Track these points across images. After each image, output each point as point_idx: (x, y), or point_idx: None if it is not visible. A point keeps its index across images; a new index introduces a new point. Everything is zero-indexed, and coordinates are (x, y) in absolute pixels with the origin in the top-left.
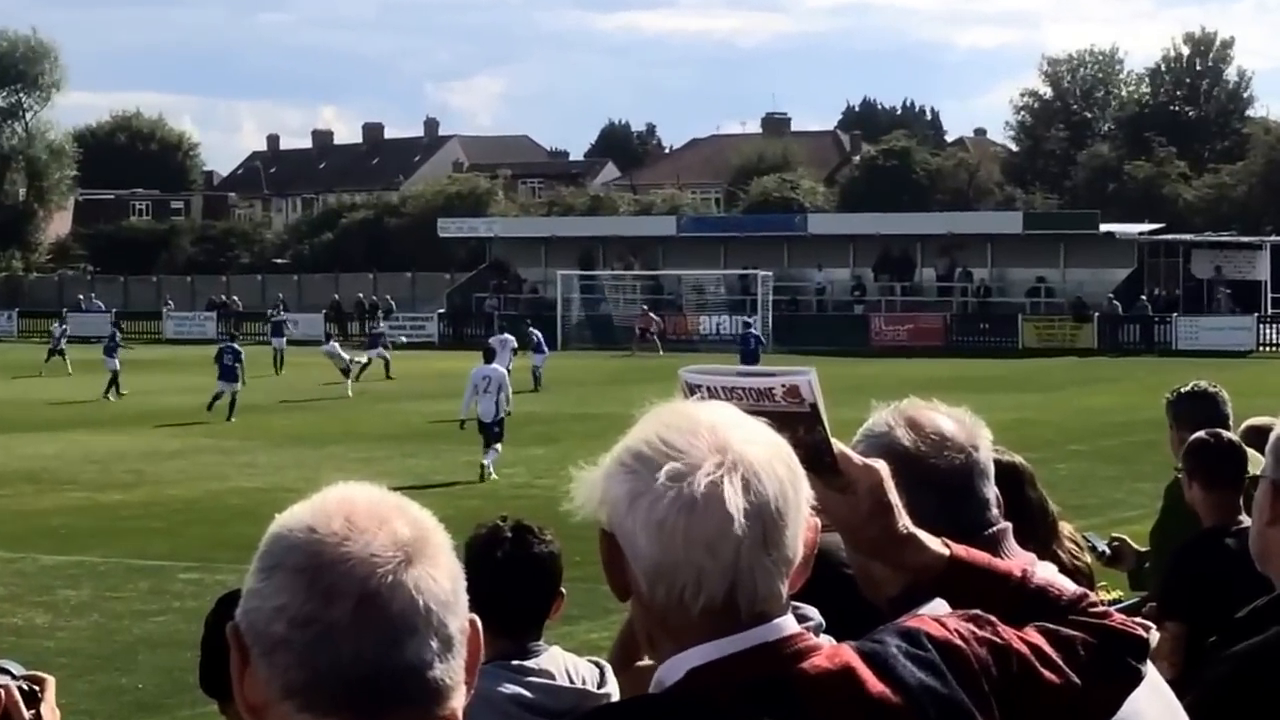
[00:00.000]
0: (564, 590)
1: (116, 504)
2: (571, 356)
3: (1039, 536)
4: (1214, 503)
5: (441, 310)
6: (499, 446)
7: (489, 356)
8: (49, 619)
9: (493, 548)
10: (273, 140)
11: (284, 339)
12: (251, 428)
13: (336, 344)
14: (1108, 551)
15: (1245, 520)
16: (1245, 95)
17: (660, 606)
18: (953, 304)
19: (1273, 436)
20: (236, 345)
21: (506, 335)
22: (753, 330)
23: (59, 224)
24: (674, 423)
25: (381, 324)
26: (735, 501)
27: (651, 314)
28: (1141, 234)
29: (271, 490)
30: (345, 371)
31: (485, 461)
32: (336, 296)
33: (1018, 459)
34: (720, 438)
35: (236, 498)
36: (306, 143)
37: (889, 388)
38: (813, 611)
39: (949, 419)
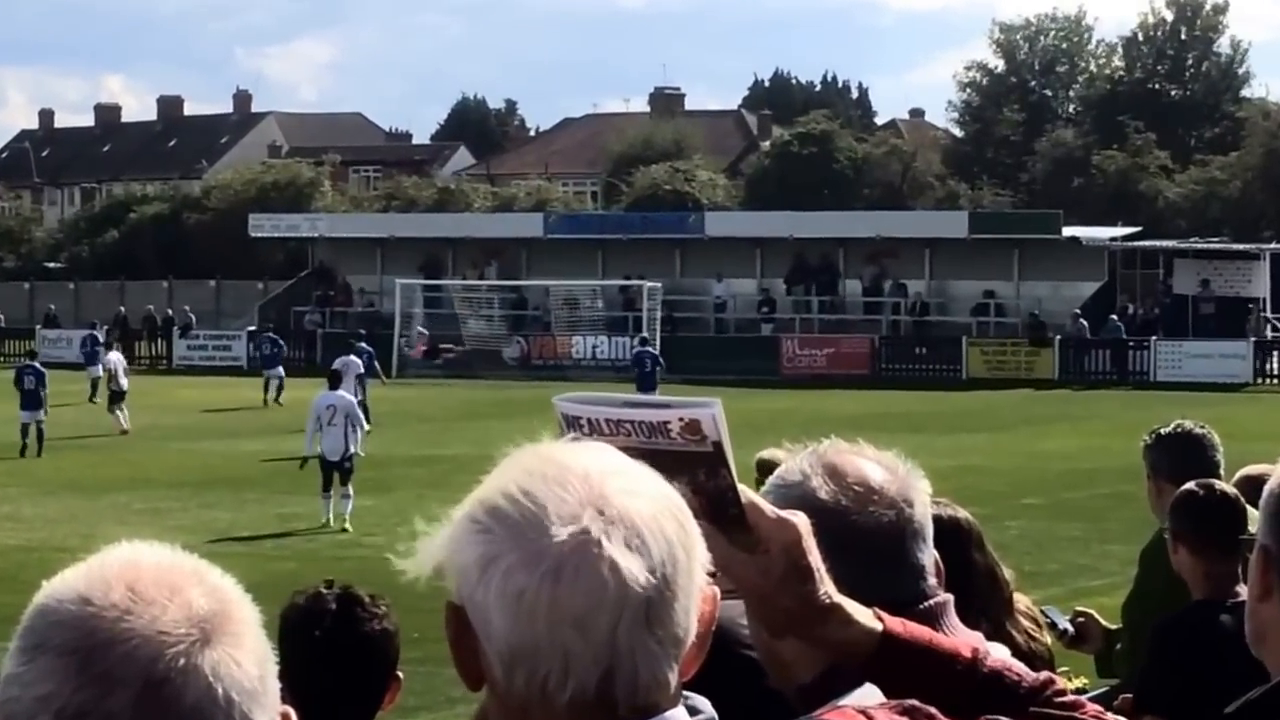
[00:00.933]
0: (401, 674)
1: None
2: (411, 385)
3: (988, 611)
4: (1205, 570)
5: (252, 327)
6: (351, 490)
7: (334, 382)
8: None
9: (312, 623)
10: (45, 116)
11: (100, 365)
12: (13, 472)
13: (119, 357)
14: (1071, 630)
15: (1244, 592)
16: (1240, 71)
17: (519, 697)
18: (882, 324)
19: (1266, 490)
20: (39, 365)
21: (351, 357)
22: (649, 350)
23: None
24: (538, 469)
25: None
26: (612, 567)
27: (425, 332)
28: (1113, 240)
29: (37, 549)
30: (116, 396)
31: (344, 513)
32: (122, 309)
33: (962, 515)
34: (595, 488)
35: None
36: (88, 120)
37: (803, 427)
38: (704, 704)
39: (878, 466)
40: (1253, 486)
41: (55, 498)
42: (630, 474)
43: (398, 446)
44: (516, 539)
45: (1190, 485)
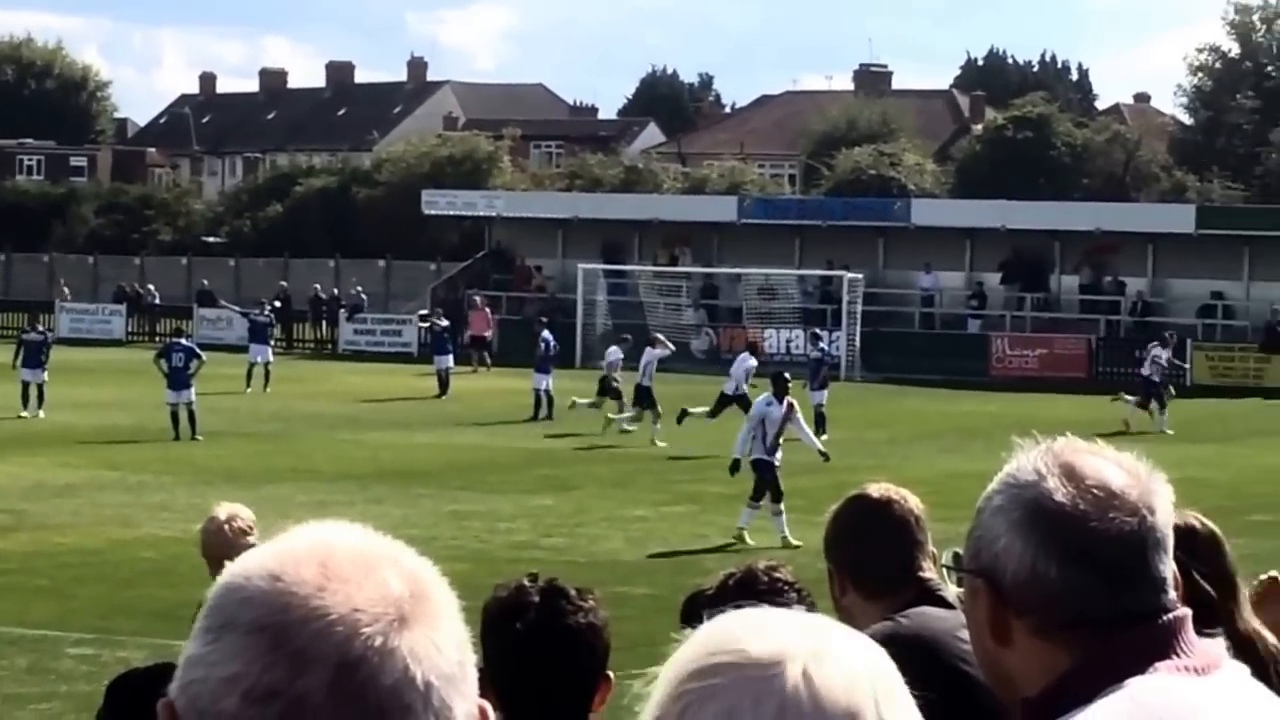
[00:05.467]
0: (611, 674)
1: None
2: (591, 377)
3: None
4: None
5: (423, 310)
6: (782, 506)
7: (779, 388)
8: None
9: (515, 616)
10: (206, 81)
11: (269, 347)
12: (167, 459)
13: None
14: None
15: None
16: None
17: None
18: (1100, 324)
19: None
20: (188, 342)
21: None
22: (823, 346)
23: None
24: (727, 624)
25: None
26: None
27: (487, 309)
28: None
29: (192, 541)
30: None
31: (781, 531)
32: (284, 284)
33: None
34: (785, 622)
35: (146, 549)
36: (251, 85)
37: (1012, 432)
38: None
39: (1118, 469)
40: None
41: (212, 487)
42: (790, 612)
43: (579, 442)
44: (747, 677)
45: None
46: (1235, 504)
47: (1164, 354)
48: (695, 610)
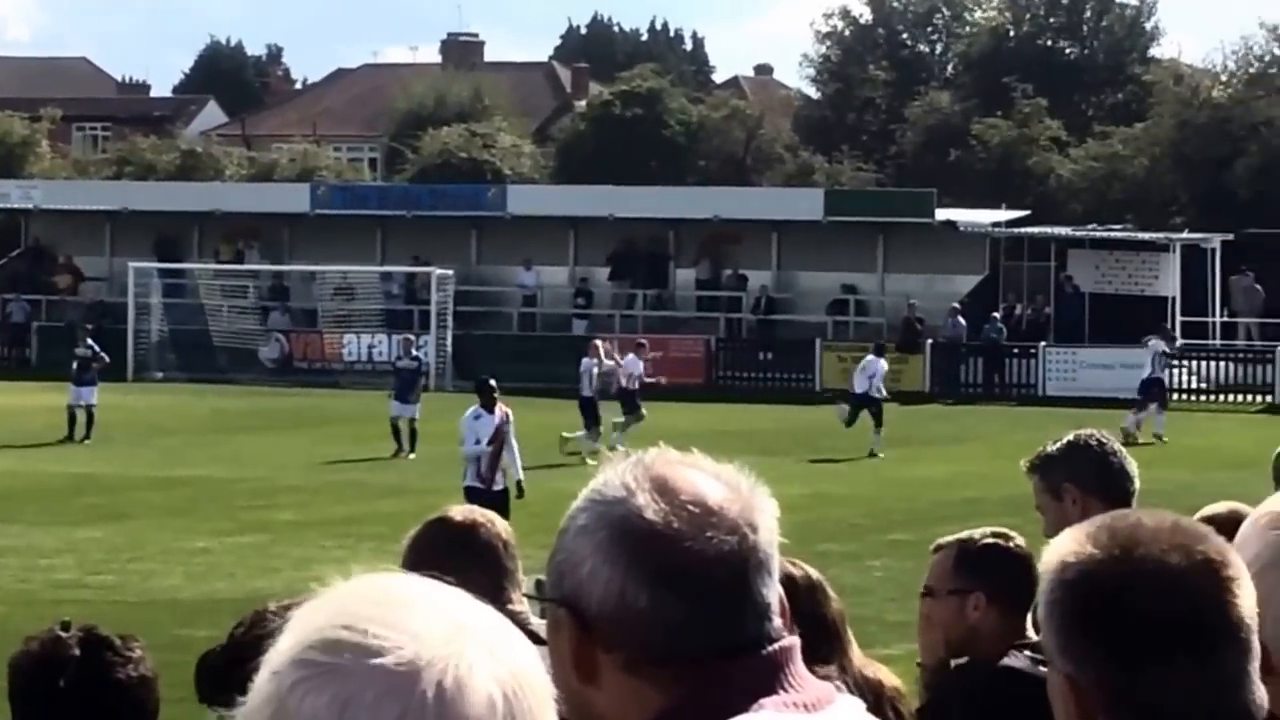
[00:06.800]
0: None
1: None
2: (148, 391)
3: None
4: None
5: None
6: None
7: (486, 397)
8: None
9: (52, 672)
10: None
11: None
12: None
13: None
14: None
15: None
16: (1148, 26)
17: None
18: (719, 323)
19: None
20: None
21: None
22: (416, 353)
23: None
24: (364, 596)
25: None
26: (492, 678)
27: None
28: (996, 225)
29: None
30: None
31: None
32: None
33: (802, 571)
34: (439, 605)
35: None
36: None
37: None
38: None
39: (716, 482)
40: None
41: None
42: (449, 590)
43: (132, 466)
44: (376, 668)
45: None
46: (872, 522)
47: (1164, 345)
48: (210, 675)
